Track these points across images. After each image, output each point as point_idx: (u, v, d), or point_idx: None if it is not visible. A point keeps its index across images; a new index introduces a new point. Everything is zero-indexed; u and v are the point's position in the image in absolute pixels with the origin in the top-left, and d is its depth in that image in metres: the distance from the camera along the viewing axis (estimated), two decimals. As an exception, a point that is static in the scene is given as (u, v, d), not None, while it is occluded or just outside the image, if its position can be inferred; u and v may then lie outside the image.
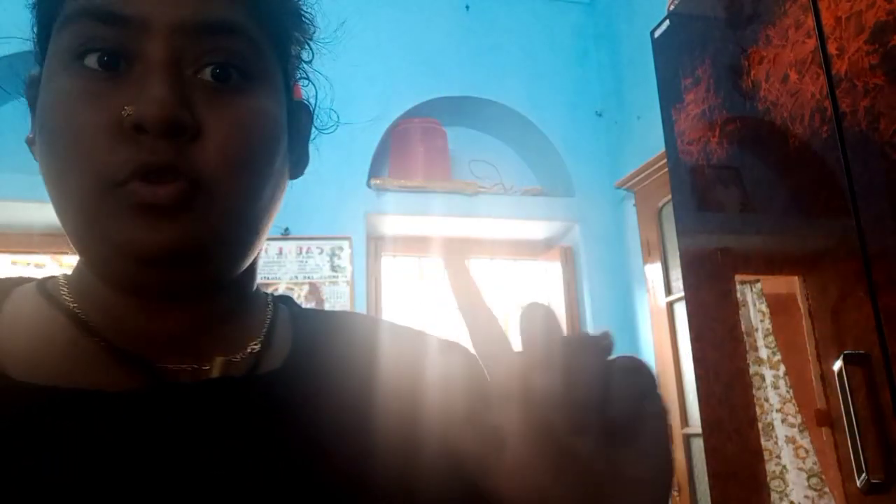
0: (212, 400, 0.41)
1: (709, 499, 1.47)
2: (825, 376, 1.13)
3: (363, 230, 2.70)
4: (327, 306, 2.55)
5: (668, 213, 2.39)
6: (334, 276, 2.60)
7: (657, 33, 1.65)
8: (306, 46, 0.52)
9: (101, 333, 0.41)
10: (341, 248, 2.63)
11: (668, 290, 2.43)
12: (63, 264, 3.14)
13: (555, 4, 3.18)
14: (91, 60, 0.38)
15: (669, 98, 1.59)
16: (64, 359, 0.40)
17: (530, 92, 3.00)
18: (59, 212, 0.40)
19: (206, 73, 0.39)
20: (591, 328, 2.84)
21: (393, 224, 2.88)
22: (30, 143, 0.44)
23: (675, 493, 2.35)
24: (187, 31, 0.38)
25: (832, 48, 1.10)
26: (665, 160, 1.76)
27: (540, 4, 3.16)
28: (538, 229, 3.07)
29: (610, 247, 2.90)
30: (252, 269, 0.46)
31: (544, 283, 3.11)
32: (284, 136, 0.45)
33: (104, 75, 0.38)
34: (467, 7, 3.07)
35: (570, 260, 2.99)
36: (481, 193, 2.87)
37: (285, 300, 0.52)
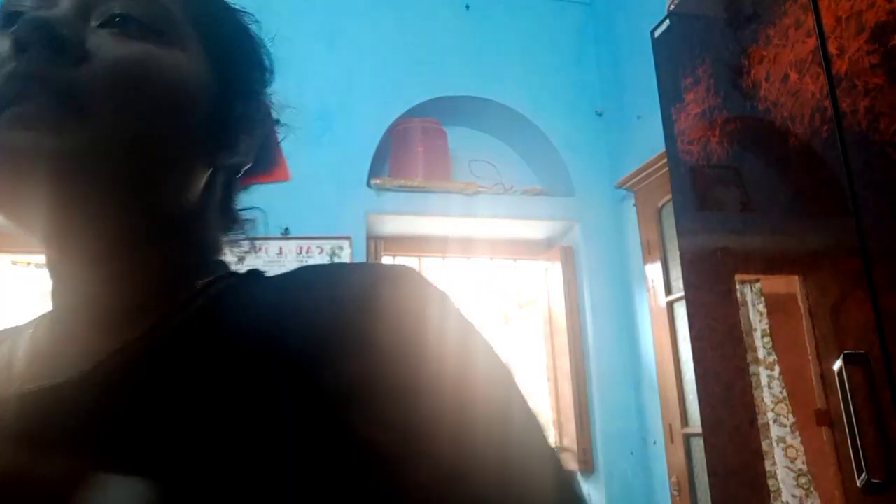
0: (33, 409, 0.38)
1: (709, 499, 1.47)
2: (825, 376, 1.13)
3: (363, 230, 2.70)
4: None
5: (668, 213, 2.39)
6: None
7: (657, 33, 1.65)
8: (254, 68, 0.50)
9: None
10: (341, 248, 2.63)
11: (668, 290, 2.43)
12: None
13: (555, 4, 3.18)
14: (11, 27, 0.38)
15: (669, 98, 1.59)
16: None
17: (530, 92, 3.00)
18: None
19: (111, 26, 0.39)
20: (591, 328, 2.84)
21: (393, 224, 2.88)
22: None
23: (676, 493, 2.35)
24: None
25: (832, 48, 1.10)
26: (665, 160, 1.76)
27: (540, 4, 3.16)
28: (538, 229, 3.07)
29: (610, 247, 2.90)
30: (167, 249, 0.43)
31: (544, 283, 3.11)
32: (195, 102, 0.43)
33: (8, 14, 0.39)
34: (467, 7, 3.07)
35: (570, 260, 2.99)
36: (481, 193, 2.87)
37: (218, 264, 0.47)
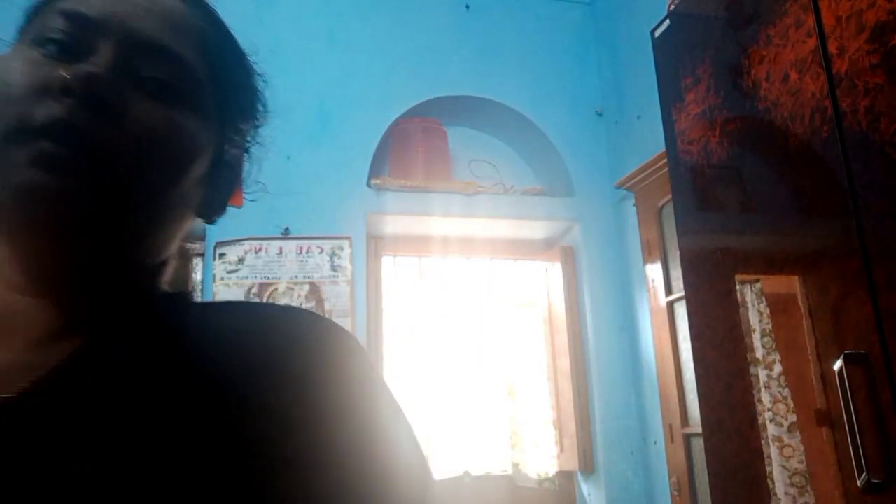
0: None
1: (709, 499, 1.47)
2: (825, 376, 1.13)
3: (363, 230, 2.70)
4: (327, 306, 2.56)
5: (668, 213, 2.39)
6: (334, 276, 2.60)
7: (657, 33, 1.65)
8: (250, 121, 0.54)
9: None
10: (341, 248, 2.63)
11: (669, 290, 2.43)
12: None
13: (555, 4, 3.18)
14: (48, 47, 0.42)
15: (669, 98, 1.59)
16: None
17: (530, 92, 3.00)
18: None
19: (146, 86, 0.43)
20: (591, 328, 2.84)
21: (393, 224, 2.88)
22: None
23: (676, 493, 2.35)
24: (138, 44, 0.43)
25: (832, 48, 1.10)
26: (665, 160, 1.76)
27: (540, 4, 3.16)
28: (538, 229, 3.07)
29: (610, 247, 2.90)
30: (135, 282, 0.46)
31: (544, 284, 3.11)
32: (198, 165, 0.47)
33: (54, 58, 0.42)
34: (467, 7, 3.07)
35: (570, 260, 2.99)
36: (481, 193, 2.87)
37: (171, 297, 0.48)
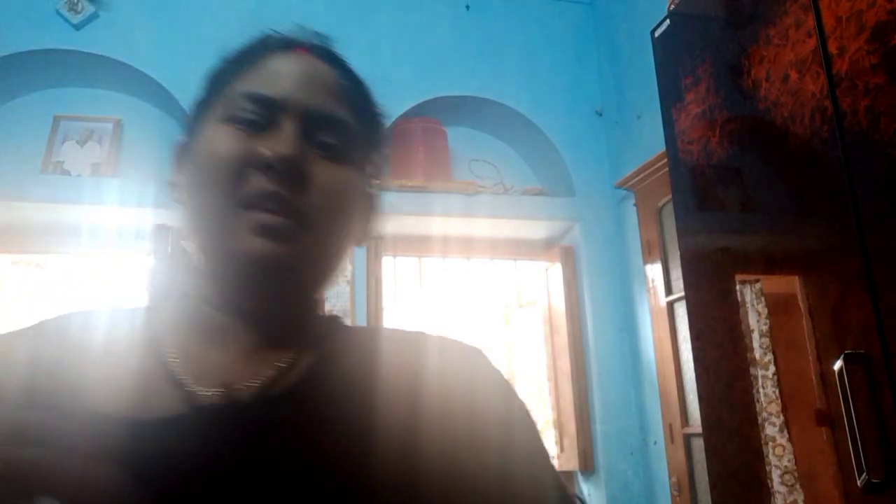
0: (228, 418, 0.48)
1: (709, 499, 1.47)
2: (825, 376, 1.13)
3: (363, 230, 2.70)
4: (327, 306, 2.55)
5: (668, 212, 2.39)
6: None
7: (657, 33, 1.65)
8: (379, 155, 0.64)
9: (166, 360, 0.51)
10: (341, 248, 2.63)
11: (669, 290, 2.43)
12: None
13: (555, 4, 3.18)
14: (242, 124, 0.52)
15: (669, 97, 1.59)
16: (128, 383, 0.49)
17: (530, 92, 3.00)
18: (196, 229, 0.53)
19: (319, 148, 0.53)
20: (591, 328, 2.84)
21: (393, 224, 2.88)
22: (171, 184, 0.57)
23: (676, 493, 2.35)
24: (312, 116, 0.53)
25: (833, 47, 1.10)
26: (665, 160, 1.76)
27: (540, 4, 3.16)
28: (538, 229, 3.07)
29: (610, 247, 2.90)
30: (313, 309, 0.58)
31: (544, 284, 3.11)
32: (360, 207, 0.58)
33: (247, 135, 0.52)
34: (467, 7, 3.07)
35: (570, 260, 2.99)
36: (481, 193, 2.87)
37: (330, 320, 0.61)
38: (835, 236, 1.11)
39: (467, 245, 3.08)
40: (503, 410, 0.55)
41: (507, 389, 0.58)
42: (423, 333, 0.60)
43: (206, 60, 0.59)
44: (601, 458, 2.71)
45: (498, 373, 0.59)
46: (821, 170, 1.14)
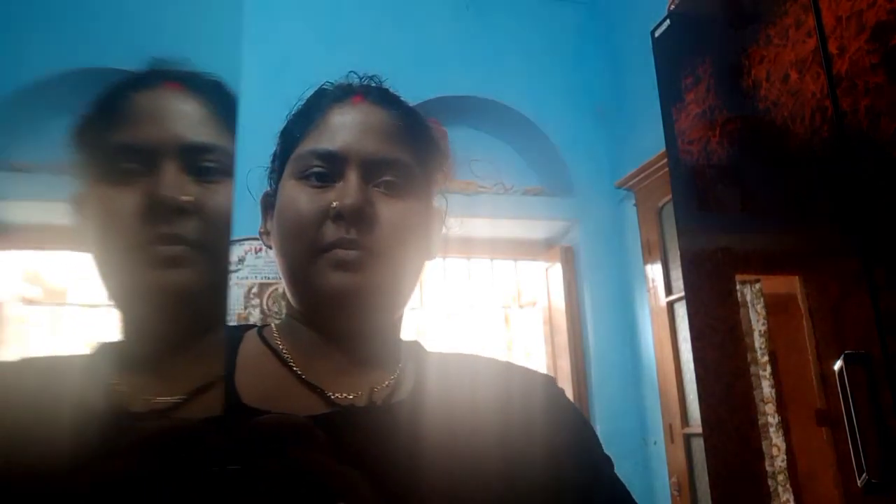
0: (361, 420, 0.57)
1: (709, 499, 1.47)
2: (825, 376, 1.13)
3: (363, 230, 2.70)
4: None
5: (668, 212, 2.39)
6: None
7: (657, 33, 1.65)
8: (441, 173, 0.74)
9: (295, 368, 0.61)
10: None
11: (669, 290, 2.43)
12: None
13: (555, 4, 3.18)
14: (312, 179, 0.61)
15: (669, 97, 1.59)
16: (272, 387, 0.60)
17: (530, 92, 3.00)
18: (285, 271, 0.62)
19: (381, 187, 0.62)
20: (591, 328, 2.84)
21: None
22: (262, 233, 0.67)
23: (676, 493, 2.35)
24: (371, 162, 0.62)
25: (833, 47, 1.10)
26: (665, 160, 1.76)
27: (540, 4, 3.16)
28: (538, 229, 3.07)
29: (610, 247, 2.90)
30: (396, 327, 0.67)
31: (544, 284, 3.11)
32: (426, 229, 0.66)
33: (319, 187, 0.61)
34: (467, 7, 3.07)
35: (570, 260, 2.99)
36: (481, 193, 2.87)
37: (413, 343, 0.69)
38: (835, 236, 1.11)
39: (467, 245, 3.08)
40: (575, 433, 0.65)
41: (578, 415, 0.68)
42: (497, 360, 0.69)
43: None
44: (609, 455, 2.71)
45: (567, 399, 0.68)
46: (821, 170, 1.14)
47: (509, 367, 0.69)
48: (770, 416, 1.29)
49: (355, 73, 0.71)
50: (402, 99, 0.69)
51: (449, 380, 0.64)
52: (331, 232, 0.59)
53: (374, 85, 0.70)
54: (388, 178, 0.62)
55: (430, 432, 0.58)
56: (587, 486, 0.61)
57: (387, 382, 0.62)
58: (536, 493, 0.57)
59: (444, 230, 0.74)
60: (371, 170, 0.61)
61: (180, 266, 0.54)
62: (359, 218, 0.59)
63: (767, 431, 1.30)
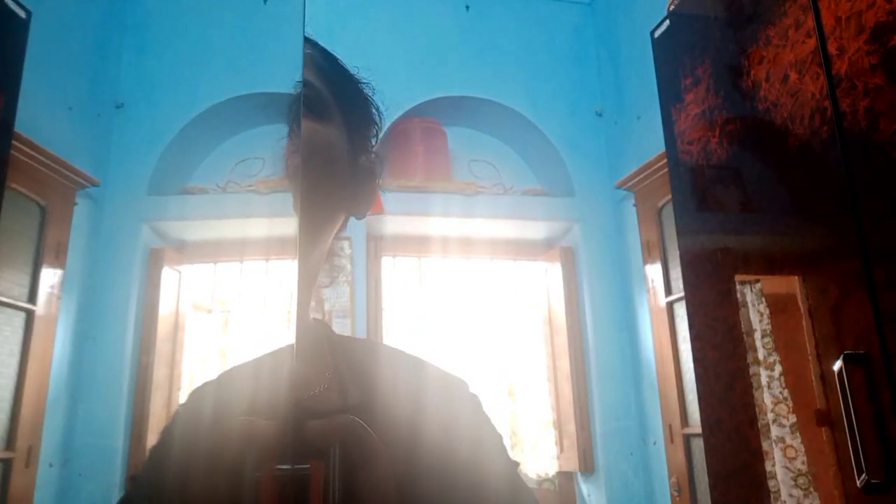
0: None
1: (709, 499, 1.47)
2: (825, 376, 1.13)
3: (363, 230, 2.70)
4: (327, 306, 2.55)
5: (668, 213, 2.39)
6: (334, 276, 2.60)
7: (657, 33, 1.65)
8: (371, 127, 0.71)
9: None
10: (342, 248, 2.63)
11: (668, 290, 2.43)
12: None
13: (555, 4, 3.18)
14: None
15: (669, 98, 1.59)
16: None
17: (530, 92, 3.00)
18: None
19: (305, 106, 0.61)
20: (591, 328, 2.84)
21: (393, 224, 2.88)
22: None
23: (676, 493, 2.35)
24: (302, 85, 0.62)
25: (832, 48, 1.10)
26: (665, 160, 1.76)
27: (540, 4, 3.16)
28: (538, 229, 3.07)
29: (610, 247, 2.90)
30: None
31: (544, 284, 3.11)
32: (339, 166, 0.62)
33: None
34: (467, 7, 3.07)
35: (570, 260, 2.99)
36: (481, 193, 2.87)
37: (320, 323, 0.67)
38: (835, 236, 1.11)
39: (467, 245, 3.08)
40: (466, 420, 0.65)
41: (483, 417, 0.67)
42: (413, 356, 0.68)
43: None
44: (601, 459, 2.71)
45: (475, 401, 0.68)
46: (821, 170, 1.14)
47: (431, 368, 0.69)
48: (783, 417, 1.28)
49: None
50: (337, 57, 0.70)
51: (395, 381, 0.64)
52: None
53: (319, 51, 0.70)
54: (307, 94, 0.62)
55: (397, 440, 0.58)
56: (500, 490, 0.62)
57: (325, 384, 0.61)
58: (432, 485, 0.57)
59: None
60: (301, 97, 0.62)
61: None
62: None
63: (776, 432, 1.29)
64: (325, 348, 0.64)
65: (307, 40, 0.68)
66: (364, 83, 0.70)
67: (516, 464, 0.67)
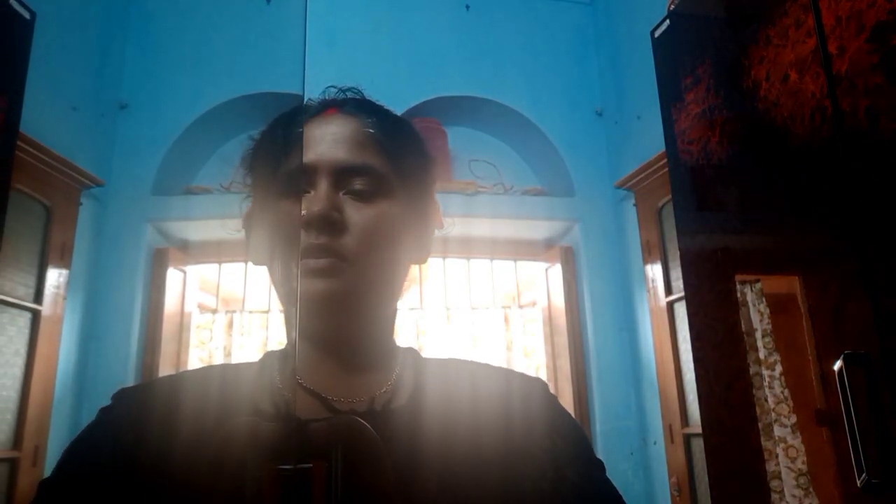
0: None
1: (709, 499, 1.47)
2: (825, 376, 1.13)
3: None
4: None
5: (668, 213, 2.39)
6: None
7: (657, 33, 1.65)
8: (426, 175, 0.73)
9: (297, 377, 0.63)
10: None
11: (669, 290, 2.43)
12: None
13: (555, 4, 3.18)
14: (294, 194, 0.63)
15: (669, 97, 1.59)
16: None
17: (530, 92, 3.00)
18: (276, 282, 0.65)
19: (352, 194, 0.63)
20: (591, 329, 2.84)
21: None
22: (247, 248, 0.69)
23: (676, 493, 2.35)
24: (340, 170, 0.63)
25: (832, 48, 1.10)
26: (665, 160, 1.76)
27: (540, 4, 3.16)
28: (538, 229, 3.07)
29: (610, 247, 2.90)
30: (386, 330, 0.68)
31: (544, 284, 3.11)
32: (404, 232, 0.66)
33: (299, 201, 0.62)
34: (467, 7, 3.07)
35: (570, 260, 2.99)
36: (481, 193, 2.87)
37: (409, 350, 0.70)
38: (835, 236, 1.11)
39: (467, 245, 3.08)
40: (570, 437, 0.68)
41: (571, 420, 0.70)
42: (493, 365, 0.71)
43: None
44: (601, 458, 2.71)
45: (560, 405, 0.70)
46: (821, 170, 1.14)
47: (507, 372, 0.71)
48: (785, 416, 1.28)
49: (333, 86, 0.72)
50: (380, 106, 0.71)
51: (447, 385, 0.66)
52: (307, 240, 0.61)
53: (350, 97, 0.71)
54: (358, 184, 0.63)
55: (430, 437, 0.60)
56: (582, 488, 0.65)
57: (384, 389, 0.64)
58: (534, 496, 0.59)
59: (437, 231, 0.75)
60: (340, 177, 0.63)
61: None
62: (326, 224, 0.61)
63: (778, 432, 1.29)
64: (397, 362, 0.68)
65: (362, 112, 0.69)
66: (409, 126, 0.72)
67: (601, 463, 0.72)
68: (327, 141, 0.65)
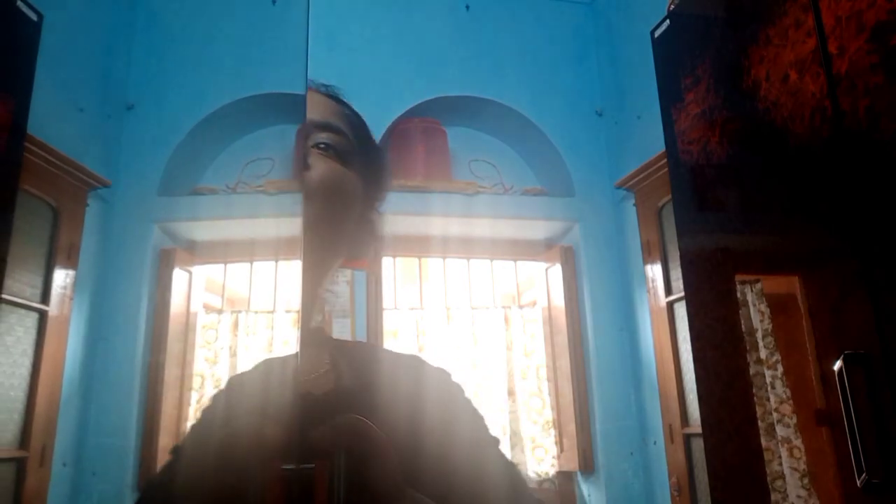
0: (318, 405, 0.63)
1: (709, 499, 1.47)
2: (825, 376, 1.13)
3: (363, 230, 2.70)
4: (326, 307, 2.55)
5: (668, 213, 2.39)
6: (334, 277, 2.60)
7: (657, 33, 1.65)
8: (382, 190, 0.78)
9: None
10: (341, 248, 2.63)
11: (669, 290, 2.43)
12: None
13: (555, 4, 3.18)
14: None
15: (669, 97, 1.59)
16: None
17: (530, 92, 3.00)
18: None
19: (316, 145, 0.68)
20: (592, 329, 2.84)
21: (393, 224, 2.88)
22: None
23: (676, 493, 2.35)
24: (317, 126, 0.69)
25: (832, 47, 1.10)
26: (665, 160, 1.76)
27: (540, 4, 3.16)
28: (538, 229, 3.07)
29: (610, 247, 2.90)
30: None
31: (544, 284, 3.11)
32: (353, 210, 0.70)
33: None
34: (467, 7, 3.07)
35: (570, 260, 2.99)
36: (481, 193, 2.87)
37: (318, 330, 0.72)
38: (835, 236, 1.11)
39: (467, 245, 3.08)
40: (463, 415, 0.71)
41: (464, 398, 0.73)
42: (393, 351, 0.75)
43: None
44: (601, 458, 2.71)
45: (456, 386, 0.74)
46: (821, 170, 1.14)
47: (411, 358, 0.75)
48: (787, 416, 1.28)
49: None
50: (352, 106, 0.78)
51: (362, 369, 0.70)
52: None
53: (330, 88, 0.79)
54: (323, 141, 0.69)
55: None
56: (473, 464, 0.67)
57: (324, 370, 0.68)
58: (433, 466, 0.62)
59: (377, 246, 0.78)
60: (316, 132, 0.69)
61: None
62: (297, 168, 0.67)
63: (781, 432, 1.29)
64: (322, 344, 0.70)
65: (337, 99, 0.76)
66: (381, 149, 0.79)
67: (497, 440, 0.73)
68: (312, 111, 0.71)
